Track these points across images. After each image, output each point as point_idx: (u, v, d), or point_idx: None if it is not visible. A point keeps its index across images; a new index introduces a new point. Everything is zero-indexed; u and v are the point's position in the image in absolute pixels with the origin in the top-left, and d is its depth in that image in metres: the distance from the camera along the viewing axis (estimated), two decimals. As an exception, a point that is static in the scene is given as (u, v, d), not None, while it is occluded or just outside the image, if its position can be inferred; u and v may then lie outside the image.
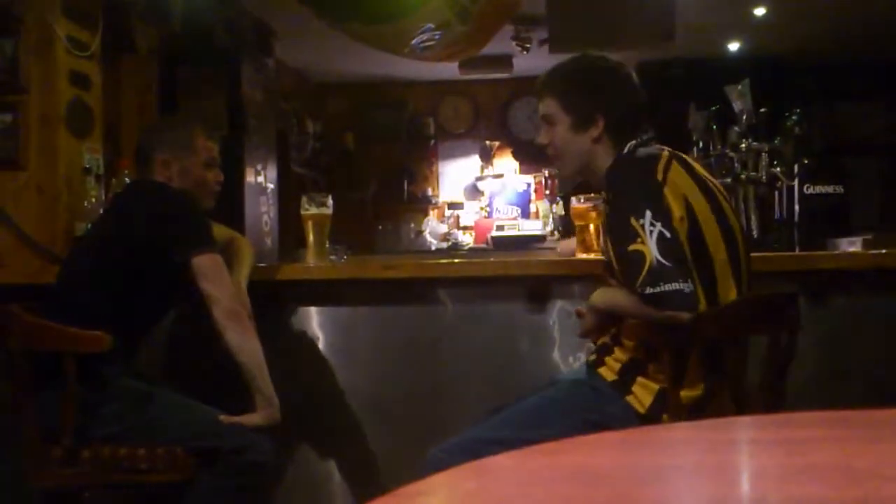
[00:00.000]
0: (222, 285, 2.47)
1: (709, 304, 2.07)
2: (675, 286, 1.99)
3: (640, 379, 2.18)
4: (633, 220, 2.06)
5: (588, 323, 2.27)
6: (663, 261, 2.01)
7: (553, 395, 2.31)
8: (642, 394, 2.17)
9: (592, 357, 2.34)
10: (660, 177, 2.12)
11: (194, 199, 2.66)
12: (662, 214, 2.06)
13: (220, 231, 2.92)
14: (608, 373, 2.23)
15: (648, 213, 2.05)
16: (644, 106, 2.33)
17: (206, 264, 2.46)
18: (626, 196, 2.15)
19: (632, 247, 2.05)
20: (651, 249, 2.02)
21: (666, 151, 2.22)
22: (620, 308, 2.16)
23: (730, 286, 2.15)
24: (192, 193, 2.69)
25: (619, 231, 2.11)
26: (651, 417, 2.15)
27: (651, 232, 2.04)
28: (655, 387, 2.15)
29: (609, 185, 2.23)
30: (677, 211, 2.09)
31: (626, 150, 2.25)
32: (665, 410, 2.12)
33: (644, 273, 2.01)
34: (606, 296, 2.24)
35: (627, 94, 2.31)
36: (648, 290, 2.01)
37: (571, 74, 2.32)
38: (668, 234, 2.03)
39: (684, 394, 2.11)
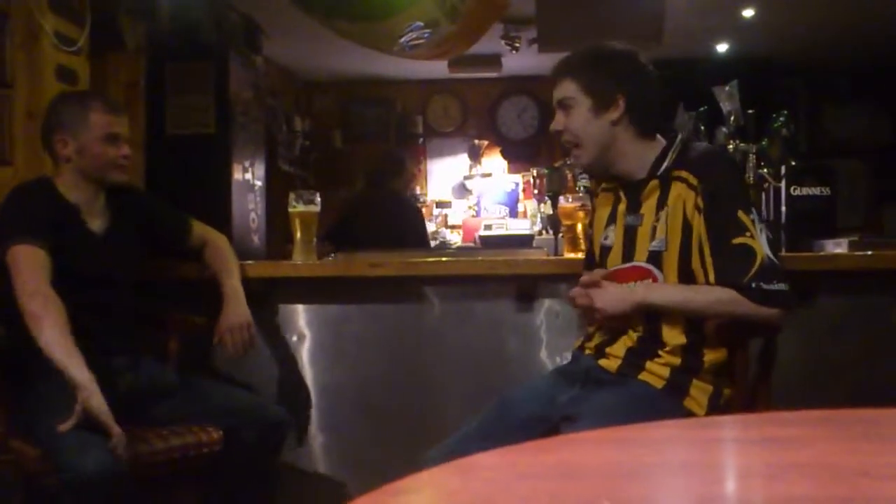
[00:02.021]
0: (19, 276, 2.42)
1: None
2: (783, 286, 2.02)
3: (695, 381, 2.12)
4: (741, 214, 2.04)
5: (617, 309, 2.13)
6: (774, 259, 2.03)
7: (606, 417, 2.03)
8: (700, 396, 2.12)
9: (616, 363, 2.19)
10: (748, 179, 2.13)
11: (17, 191, 2.62)
12: (760, 216, 2.08)
13: (199, 233, 2.90)
14: (654, 379, 2.13)
15: (754, 212, 2.06)
16: (662, 96, 2.29)
17: (8, 261, 2.46)
18: (733, 189, 2.11)
19: (738, 240, 2.03)
20: (762, 246, 2.02)
21: None
22: (699, 304, 2.08)
23: None
24: (26, 185, 2.66)
25: (723, 222, 2.06)
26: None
27: (760, 229, 2.05)
28: (709, 388, 2.12)
29: (704, 173, 2.12)
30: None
31: (678, 140, 2.22)
32: (717, 410, 2.10)
33: (756, 268, 2.01)
34: (674, 292, 2.13)
35: (647, 79, 2.27)
36: (764, 286, 2.00)
37: (591, 57, 2.28)
38: (769, 234, 2.06)
39: (728, 392, 2.13)
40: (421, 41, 4.22)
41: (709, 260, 2.08)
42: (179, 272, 3.02)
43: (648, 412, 1.95)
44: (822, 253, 3.20)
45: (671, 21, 5.01)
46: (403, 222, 5.41)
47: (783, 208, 3.42)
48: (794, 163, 3.44)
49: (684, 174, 2.15)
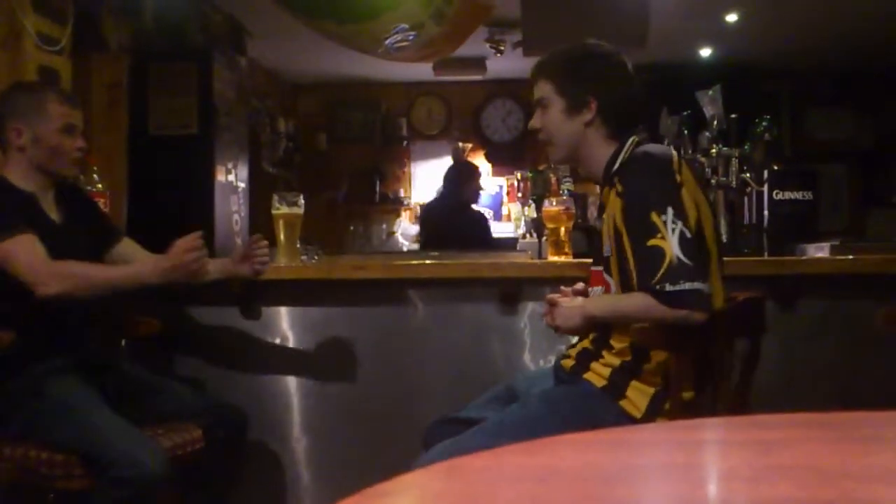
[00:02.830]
0: (19, 269, 2.41)
1: None
2: (694, 285, 1.98)
3: (633, 383, 2.13)
4: (654, 216, 2.03)
5: (571, 322, 2.19)
6: (684, 259, 1.99)
7: (547, 402, 2.23)
8: (637, 398, 2.13)
9: (570, 362, 2.28)
10: (678, 177, 2.10)
11: None
12: (683, 214, 2.04)
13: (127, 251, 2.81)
14: (596, 378, 2.17)
15: (671, 211, 2.03)
16: (639, 96, 2.30)
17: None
18: (646, 191, 2.11)
19: (651, 242, 2.02)
20: (672, 246, 2.00)
21: (675, 152, 2.21)
22: (626, 312, 2.11)
23: (720, 289, 2.16)
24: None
25: (637, 225, 2.07)
26: (647, 421, 2.11)
27: (673, 229, 2.02)
28: (651, 390, 2.12)
29: (625, 179, 2.17)
30: (692, 213, 2.08)
31: (630, 143, 2.23)
32: (660, 414, 2.10)
33: (663, 270, 1.99)
34: (607, 302, 2.19)
35: (621, 81, 2.28)
36: (668, 288, 1.98)
37: (566, 58, 2.30)
38: (688, 234, 2.02)
39: (684, 396, 2.11)
40: (406, 43, 4.22)
41: (632, 265, 2.10)
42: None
43: (584, 408, 2.14)
44: (804, 257, 3.22)
45: (655, 25, 5.04)
46: (472, 230, 5.56)
47: (766, 212, 3.45)
48: (776, 167, 3.47)
49: (616, 180, 2.19)
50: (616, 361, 2.17)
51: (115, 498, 2.22)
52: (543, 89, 2.29)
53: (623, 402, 2.13)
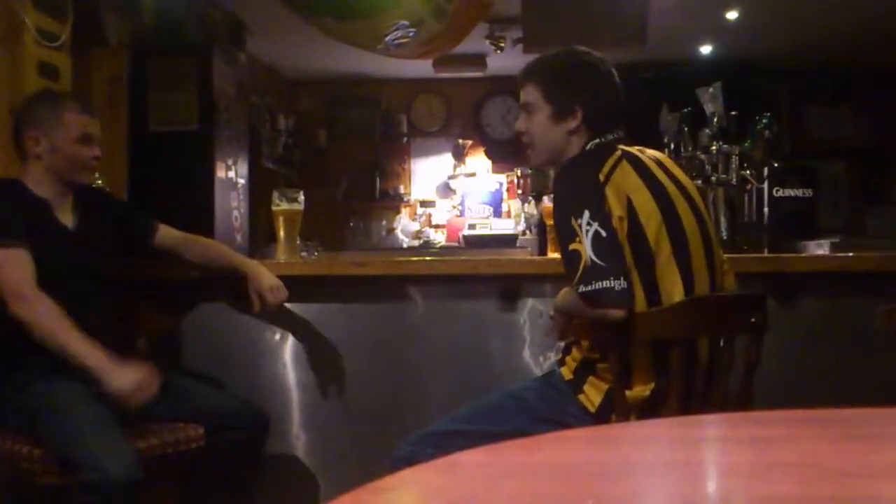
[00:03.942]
0: (1, 279, 2.45)
1: (650, 304, 2.10)
2: (605, 284, 2.03)
3: (591, 378, 2.20)
4: (572, 221, 2.10)
5: (557, 323, 2.29)
6: (596, 260, 2.05)
7: (515, 392, 2.33)
8: (592, 393, 2.19)
9: (559, 356, 2.37)
10: (602, 177, 2.15)
11: None
12: (600, 214, 2.09)
13: (171, 234, 2.89)
14: (566, 371, 2.26)
15: (587, 213, 2.09)
16: (621, 104, 2.35)
17: None
18: (567, 196, 2.19)
19: (571, 246, 2.09)
20: (586, 249, 2.06)
21: (618, 151, 2.24)
22: (569, 308, 2.18)
23: (675, 285, 2.15)
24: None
25: (561, 230, 2.15)
26: (601, 417, 2.17)
27: (587, 231, 2.07)
28: (605, 386, 2.17)
29: (554, 185, 2.27)
30: (617, 210, 2.11)
31: (587, 147, 2.28)
32: (613, 410, 2.14)
33: (580, 272, 2.06)
34: (563, 296, 2.26)
35: (608, 90, 2.33)
36: (582, 289, 2.05)
37: (556, 65, 2.35)
38: (603, 234, 2.07)
39: (632, 393, 2.12)
40: (406, 40, 4.21)
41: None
42: (149, 271, 3.00)
43: (549, 399, 2.25)
44: (804, 254, 3.22)
45: (655, 23, 5.03)
46: None
47: (766, 209, 3.44)
48: (776, 164, 3.46)
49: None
50: (580, 356, 2.24)
51: (83, 502, 2.22)
52: (531, 94, 2.34)
53: (580, 397, 2.20)
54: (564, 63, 2.35)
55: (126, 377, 2.41)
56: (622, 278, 2.04)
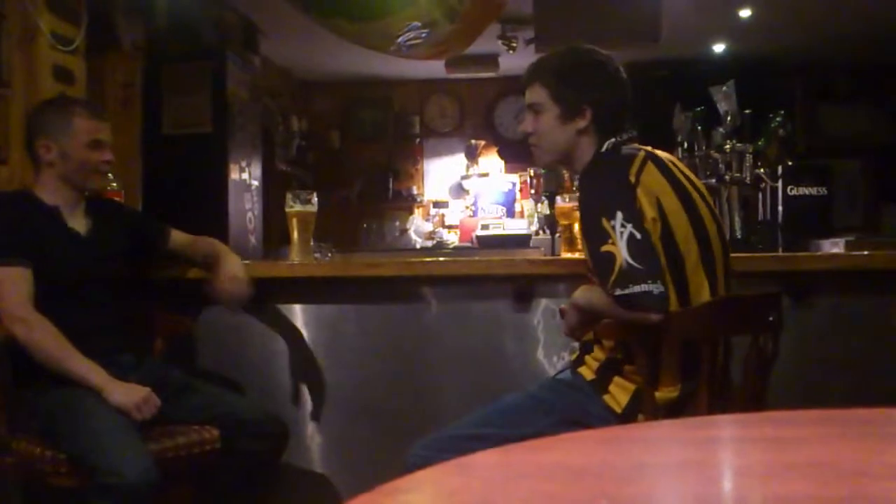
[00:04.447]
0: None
1: (680, 305, 2.08)
2: (643, 287, 2.00)
3: (616, 379, 2.18)
4: (604, 222, 2.07)
5: (571, 321, 2.25)
6: (633, 262, 2.01)
7: (534, 393, 2.31)
8: (619, 393, 2.17)
9: (575, 355, 2.34)
10: (633, 178, 2.12)
11: None
12: (634, 216, 2.06)
13: (181, 238, 2.91)
14: (587, 371, 2.23)
15: (620, 215, 2.06)
16: (630, 103, 2.33)
17: None
18: (597, 197, 2.16)
19: (603, 248, 2.06)
20: (621, 251, 2.03)
21: (642, 152, 2.22)
22: (597, 307, 2.15)
23: (702, 287, 2.15)
24: (2, 196, 2.70)
25: (591, 232, 2.12)
26: (627, 417, 2.15)
27: (622, 233, 2.04)
28: (632, 387, 2.15)
29: (581, 186, 2.25)
30: (650, 212, 2.09)
31: (604, 148, 2.25)
32: (641, 410, 2.12)
33: (615, 274, 2.02)
34: (587, 294, 2.23)
35: (616, 89, 2.30)
36: (618, 292, 2.02)
37: (563, 65, 2.32)
38: (638, 236, 2.04)
39: (660, 394, 2.11)
40: (418, 41, 4.22)
41: (591, 268, 2.16)
42: (164, 272, 3.01)
43: (570, 399, 2.22)
44: (818, 253, 3.20)
45: (668, 21, 5.02)
46: None
47: (780, 208, 3.43)
48: (790, 162, 3.45)
49: (575, 187, 2.24)
50: (603, 356, 2.22)
51: None
52: (538, 94, 2.31)
53: (606, 397, 2.18)
54: (571, 62, 2.32)
55: (128, 394, 2.43)
56: (659, 282, 2.01)
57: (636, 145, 2.26)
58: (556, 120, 2.28)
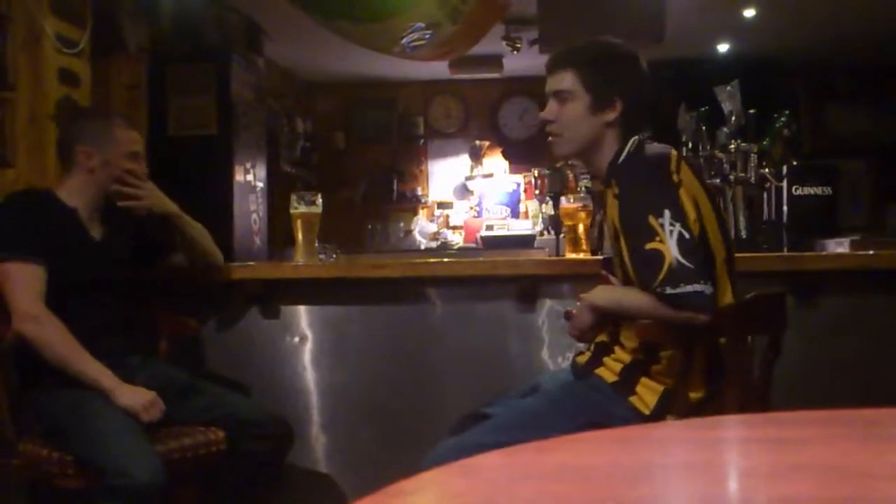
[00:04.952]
0: (12, 294, 2.47)
1: None
2: (695, 287, 1.97)
3: (643, 380, 2.14)
4: (651, 219, 2.02)
5: (584, 322, 2.20)
6: (684, 261, 1.98)
7: (553, 398, 2.26)
8: (647, 394, 2.13)
9: (583, 357, 2.31)
10: (675, 177, 2.09)
11: (12, 202, 2.66)
12: (680, 215, 2.03)
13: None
14: (608, 374, 2.19)
15: (668, 213, 2.02)
16: (653, 101, 2.29)
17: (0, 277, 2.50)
18: (642, 194, 2.10)
19: (649, 245, 2.01)
20: (671, 249, 1.99)
21: (674, 151, 2.19)
22: (629, 307, 2.10)
23: (727, 288, 2.15)
24: (21, 195, 2.73)
25: (634, 229, 2.07)
26: (656, 418, 2.12)
27: (671, 232, 2.01)
28: (660, 388, 2.13)
29: (621, 181, 2.16)
30: (691, 213, 2.06)
31: (630, 144, 2.21)
32: (669, 411, 2.10)
33: (664, 273, 1.98)
34: (612, 295, 2.19)
35: (646, 85, 2.26)
36: (669, 291, 1.98)
37: (598, 54, 2.25)
38: (687, 235, 2.01)
39: (690, 395, 2.11)
40: (422, 42, 4.22)
41: (630, 268, 2.10)
42: (169, 273, 3.02)
43: (591, 403, 2.15)
44: (824, 253, 3.20)
45: (673, 21, 5.01)
46: None
47: (785, 208, 3.42)
48: (795, 162, 3.44)
49: (613, 182, 2.19)
50: (627, 358, 2.18)
51: None
52: (567, 81, 2.22)
53: (633, 399, 2.14)
54: (607, 52, 2.25)
55: (136, 396, 2.44)
56: (709, 282, 1.99)
57: (662, 144, 2.24)
58: (585, 110, 2.20)
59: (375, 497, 0.87)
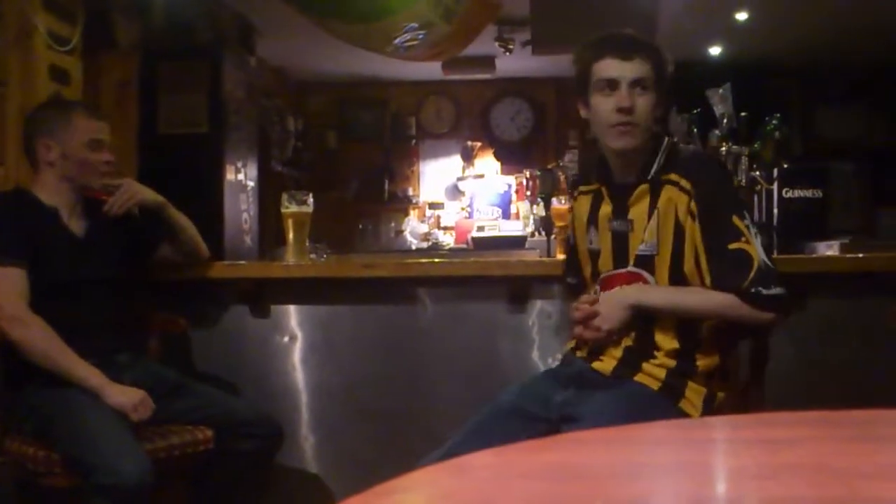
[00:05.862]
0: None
1: None
2: (782, 290, 2.02)
3: (690, 383, 2.11)
4: (735, 219, 2.03)
5: (618, 321, 2.12)
6: (769, 264, 2.02)
7: (602, 417, 1.97)
8: (694, 398, 2.10)
9: (611, 364, 2.16)
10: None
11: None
12: (752, 217, 2.07)
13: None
14: (650, 380, 2.11)
15: (747, 215, 2.05)
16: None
17: None
18: (725, 193, 2.11)
19: (733, 245, 2.02)
20: (758, 251, 2.02)
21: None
22: (690, 307, 2.08)
23: None
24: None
25: (718, 228, 2.05)
26: None
27: (755, 234, 2.04)
28: (703, 390, 2.11)
29: (693, 176, 2.10)
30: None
31: (666, 143, 2.19)
32: (711, 412, 2.09)
33: (753, 274, 2.00)
34: (664, 294, 2.12)
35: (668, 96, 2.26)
36: (763, 292, 1.99)
37: (661, 51, 2.21)
38: (762, 239, 2.05)
39: (722, 394, 2.13)
40: (415, 42, 4.21)
41: (705, 265, 2.07)
42: (159, 272, 3.01)
43: (646, 412, 1.94)
44: (814, 255, 3.20)
45: (664, 24, 5.02)
46: None
47: (775, 210, 3.43)
48: (786, 165, 3.45)
49: (675, 177, 2.13)
50: (671, 363, 2.12)
51: None
52: (646, 70, 2.15)
53: (682, 404, 2.10)
54: (664, 51, 2.22)
55: (126, 395, 2.43)
56: (784, 286, 2.03)
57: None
58: (654, 102, 2.16)
59: (365, 496, 0.87)
